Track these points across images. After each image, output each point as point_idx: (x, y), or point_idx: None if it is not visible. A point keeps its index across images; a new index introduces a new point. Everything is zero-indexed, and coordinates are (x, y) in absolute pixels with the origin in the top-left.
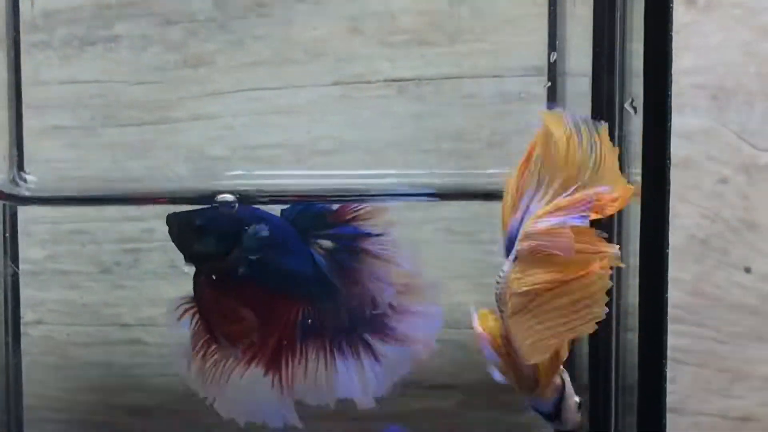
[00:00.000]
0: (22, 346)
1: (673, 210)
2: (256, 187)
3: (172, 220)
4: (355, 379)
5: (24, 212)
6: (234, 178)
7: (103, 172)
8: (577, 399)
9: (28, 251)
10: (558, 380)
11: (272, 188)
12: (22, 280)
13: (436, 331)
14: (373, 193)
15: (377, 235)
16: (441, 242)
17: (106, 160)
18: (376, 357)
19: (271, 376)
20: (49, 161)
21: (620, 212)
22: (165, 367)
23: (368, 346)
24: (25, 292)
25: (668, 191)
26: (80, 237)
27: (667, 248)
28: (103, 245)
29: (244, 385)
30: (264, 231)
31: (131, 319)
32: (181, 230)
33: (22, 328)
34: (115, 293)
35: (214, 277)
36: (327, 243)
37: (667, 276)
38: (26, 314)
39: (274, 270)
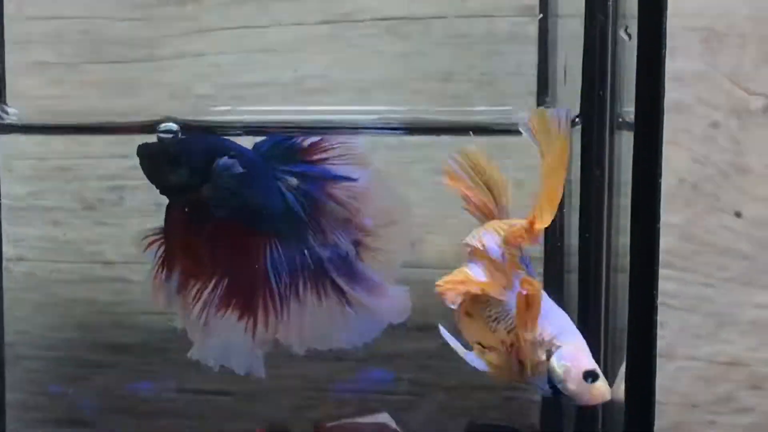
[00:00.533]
0: (4, 283)
1: (663, 153)
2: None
3: (142, 150)
4: (327, 323)
5: (6, 148)
6: (221, 114)
7: (88, 109)
8: (587, 368)
9: (10, 187)
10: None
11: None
12: (4, 216)
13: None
14: (346, 126)
15: (346, 180)
16: (430, 183)
17: (90, 98)
18: (348, 303)
19: (245, 321)
20: (33, 98)
21: (611, 154)
22: (149, 305)
23: (340, 291)
24: (6, 228)
25: (661, 134)
26: (64, 173)
27: (660, 192)
28: (87, 182)
29: (218, 327)
30: (237, 168)
31: (115, 256)
32: (152, 161)
33: (4, 264)
34: (98, 230)
35: (186, 209)
36: (295, 180)
37: (659, 219)
38: (8, 250)
39: (245, 204)
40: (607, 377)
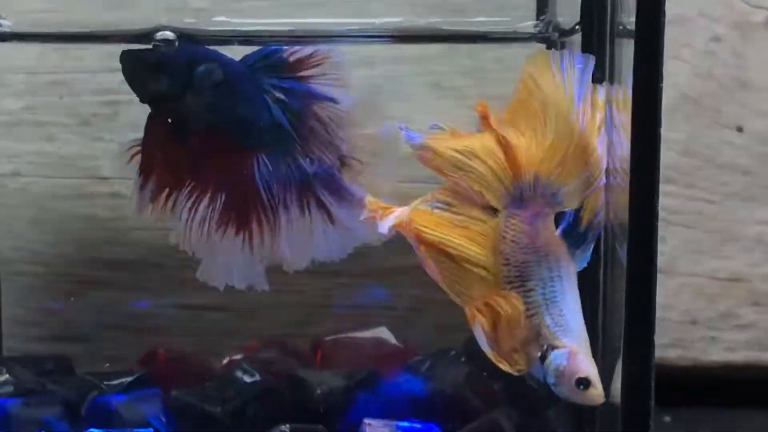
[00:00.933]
0: None
1: (664, 67)
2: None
3: (125, 57)
4: (308, 238)
5: (0, 61)
6: (216, 24)
7: (82, 22)
8: (579, 375)
9: (4, 102)
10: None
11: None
12: None
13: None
14: (344, 35)
15: (330, 100)
16: (428, 97)
17: (84, 11)
18: (330, 218)
19: (242, 236)
20: (25, 12)
21: (611, 67)
22: (145, 221)
23: (323, 206)
24: (1, 143)
25: (662, 44)
26: (58, 88)
27: (660, 104)
28: (81, 97)
29: (218, 243)
30: (218, 74)
31: (110, 172)
32: (134, 68)
33: None
34: (93, 145)
35: (169, 120)
36: (281, 94)
37: (659, 135)
38: (3, 166)
39: (230, 115)
40: (605, 299)
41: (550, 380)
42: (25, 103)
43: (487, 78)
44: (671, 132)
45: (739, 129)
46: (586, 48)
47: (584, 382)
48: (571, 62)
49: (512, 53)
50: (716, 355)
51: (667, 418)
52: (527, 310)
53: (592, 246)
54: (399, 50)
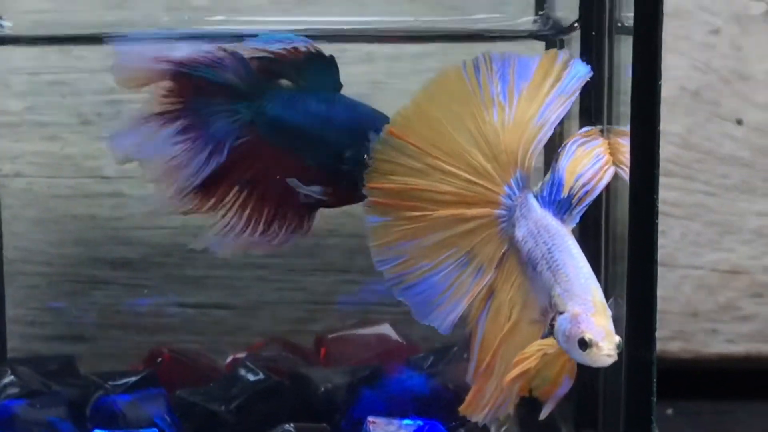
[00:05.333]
0: (1, 199)
1: (663, 61)
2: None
3: None
4: None
5: (1, 62)
6: (215, 24)
7: (81, 23)
8: (579, 337)
9: (6, 102)
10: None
11: None
12: (0, 132)
13: None
14: (343, 35)
15: None
16: None
17: (84, 11)
18: None
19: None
20: (26, 12)
21: (611, 63)
22: (147, 220)
23: None
24: (3, 144)
25: (661, 39)
26: (60, 88)
27: (660, 98)
28: (83, 96)
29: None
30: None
31: (112, 171)
32: None
33: (1, 181)
34: (96, 145)
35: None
36: None
37: (659, 131)
38: (5, 166)
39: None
40: (608, 279)
41: (563, 346)
42: (28, 104)
43: None
44: (671, 125)
45: (739, 122)
46: (584, 45)
47: (584, 343)
48: (488, 65)
49: (511, 49)
50: (717, 347)
51: (670, 411)
52: (544, 288)
53: (584, 207)
54: (398, 48)
